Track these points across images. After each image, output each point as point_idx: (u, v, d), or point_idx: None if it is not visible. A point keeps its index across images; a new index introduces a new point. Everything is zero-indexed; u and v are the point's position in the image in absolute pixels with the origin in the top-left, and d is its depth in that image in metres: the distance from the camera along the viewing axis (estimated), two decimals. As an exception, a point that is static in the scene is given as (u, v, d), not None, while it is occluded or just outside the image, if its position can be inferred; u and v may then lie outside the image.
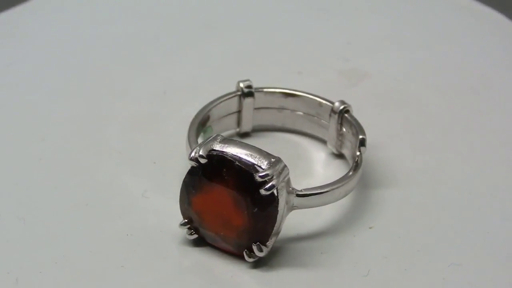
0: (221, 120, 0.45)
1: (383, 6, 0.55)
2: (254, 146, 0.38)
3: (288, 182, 0.38)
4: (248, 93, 0.44)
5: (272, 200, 0.38)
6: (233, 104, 0.44)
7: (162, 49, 0.52)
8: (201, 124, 0.43)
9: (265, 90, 0.45)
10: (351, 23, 0.54)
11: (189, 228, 0.39)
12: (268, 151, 0.38)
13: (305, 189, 0.39)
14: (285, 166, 0.38)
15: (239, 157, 0.38)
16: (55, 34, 0.53)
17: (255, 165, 0.38)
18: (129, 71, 0.50)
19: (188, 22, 0.54)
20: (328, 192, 0.39)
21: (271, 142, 0.45)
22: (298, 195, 0.39)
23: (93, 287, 0.38)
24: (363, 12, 0.54)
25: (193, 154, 0.38)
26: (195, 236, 0.40)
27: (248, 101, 0.44)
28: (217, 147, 0.38)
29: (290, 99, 0.45)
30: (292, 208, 0.39)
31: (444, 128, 0.46)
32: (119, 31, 0.53)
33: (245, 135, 0.46)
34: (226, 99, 0.44)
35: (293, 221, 0.40)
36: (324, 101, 0.44)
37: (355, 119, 0.43)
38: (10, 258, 0.39)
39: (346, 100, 0.43)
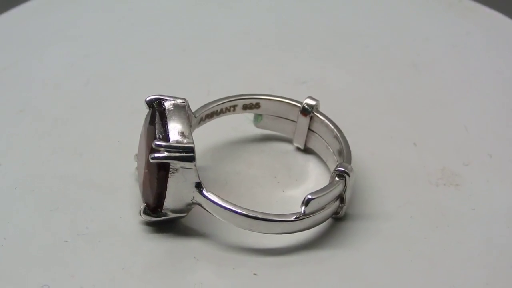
0: (278, 119, 0.44)
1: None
2: (190, 129, 0.38)
3: (194, 173, 0.38)
4: (305, 110, 0.43)
5: (156, 171, 0.38)
6: (292, 112, 0.44)
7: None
8: (247, 106, 0.44)
9: (321, 117, 0.43)
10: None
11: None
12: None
13: (209, 192, 0.38)
14: (193, 154, 0.38)
15: (166, 123, 0.39)
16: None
17: (168, 136, 0.38)
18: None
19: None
20: (227, 210, 0.38)
21: (305, 163, 0.44)
22: (199, 191, 0.38)
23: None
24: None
25: (147, 98, 0.40)
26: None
27: (303, 117, 0.43)
28: (166, 105, 0.39)
29: (336, 142, 0.42)
30: (193, 201, 0.39)
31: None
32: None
33: (298, 149, 0.45)
34: (284, 102, 0.44)
35: (216, 225, 0.40)
36: (350, 159, 0.41)
37: (338, 184, 0.40)
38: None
39: (419, 194, 0.42)
